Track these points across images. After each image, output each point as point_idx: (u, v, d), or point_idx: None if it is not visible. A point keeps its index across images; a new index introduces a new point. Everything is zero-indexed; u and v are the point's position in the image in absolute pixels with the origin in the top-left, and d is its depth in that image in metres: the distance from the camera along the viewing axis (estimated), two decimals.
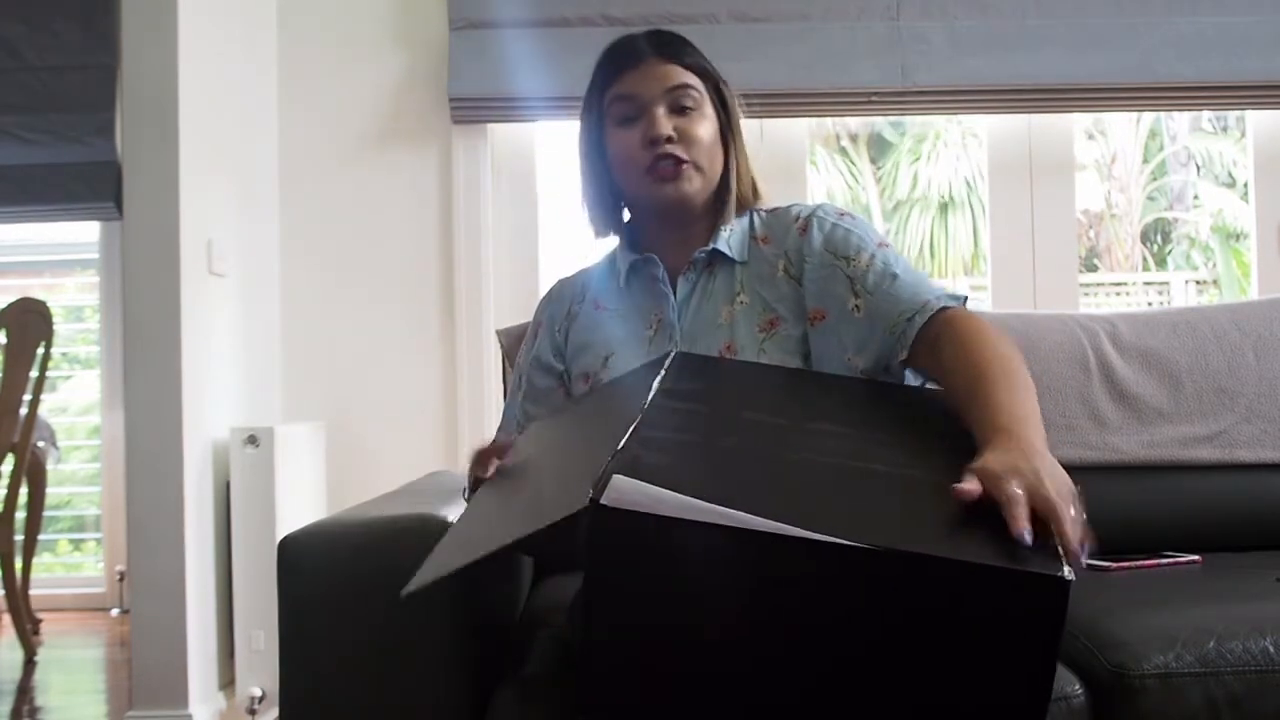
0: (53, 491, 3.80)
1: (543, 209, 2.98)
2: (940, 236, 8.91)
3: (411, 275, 2.90)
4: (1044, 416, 1.78)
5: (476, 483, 1.18)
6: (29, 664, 3.21)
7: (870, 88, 2.84)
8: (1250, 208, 3.09)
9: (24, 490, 3.36)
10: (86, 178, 2.89)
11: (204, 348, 2.43)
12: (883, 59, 2.83)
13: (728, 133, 1.37)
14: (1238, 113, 4.75)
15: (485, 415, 2.82)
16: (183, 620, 2.31)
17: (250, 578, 2.42)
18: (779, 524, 0.79)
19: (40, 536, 3.56)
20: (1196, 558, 1.66)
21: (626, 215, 1.43)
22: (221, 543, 2.47)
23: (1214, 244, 8.65)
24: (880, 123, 8.43)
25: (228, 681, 2.49)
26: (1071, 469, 1.89)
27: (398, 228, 2.90)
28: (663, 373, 1.08)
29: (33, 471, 3.39)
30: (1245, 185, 4.96)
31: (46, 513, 3.61)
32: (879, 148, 9.28)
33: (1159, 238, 9.41)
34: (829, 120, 7.19)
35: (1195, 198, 9.15)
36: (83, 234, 4.24)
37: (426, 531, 1.18)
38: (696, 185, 1.32)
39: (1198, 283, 8.32)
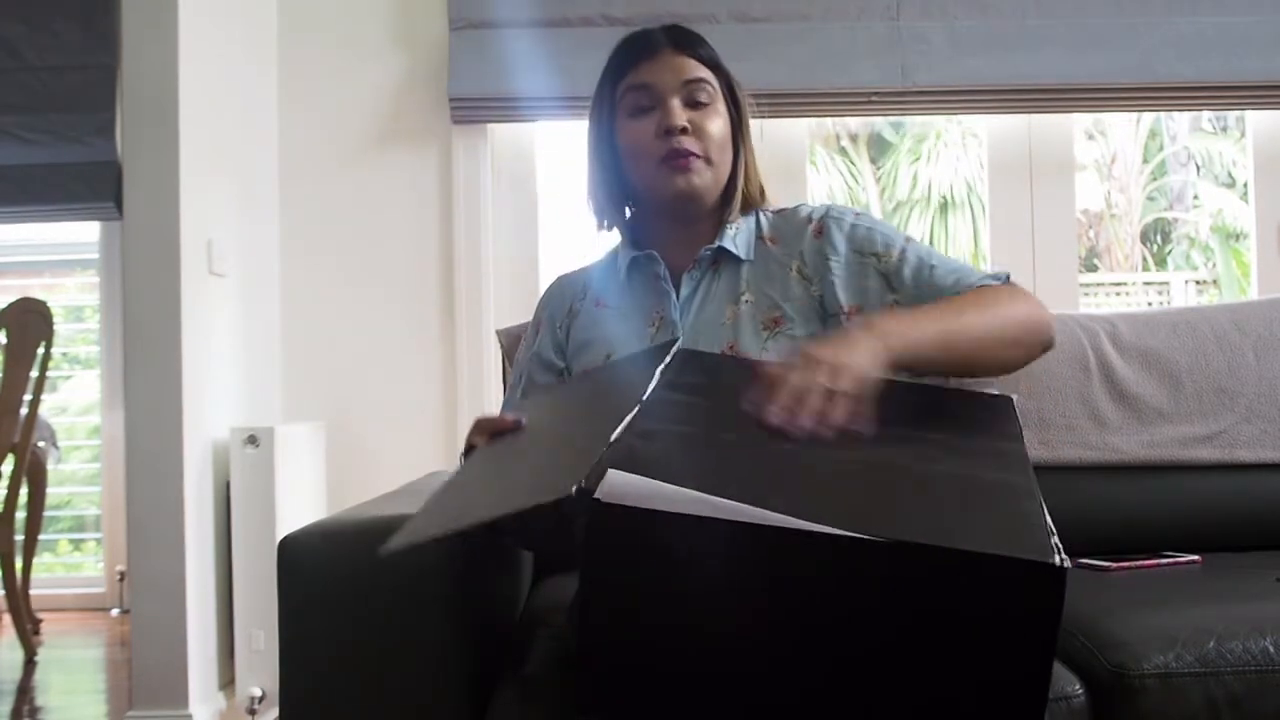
0: (53, 491, 3.80)
1: (543, 209, 2.98)
2: (940, 236, 8.91)
3: (411, 275, 2.90)
4: (1044, 416, 1.82)
5: (471, 449, 1.17)
6: (29, 664, 3.21)
7: (870, 88, 2.84)
8: (1250, 208, 3.09)
9: (24, 490, 3.36)
10: (86, 178, 2.89)
11: (204, 348, 2.43)
12: (883, 59, 2.83)
13: (738, 131, 1.37)
14: (1238, 113, 4.75)
15: None
16: (183, 620, 2.31)
17: (250, 578, 2.42)
18: (772, 515, 0.79)
19: (40, 536, 3.56)
20: (1196, 558, 1.66)
21: (628, 212, 1.43)
22: (221, 543, 2.47)
23: (1214, 244, 8.66)
24: (880, 123, 8.44)
25: (228, 681, 2.49)
26: (1072, 469, 1.90)
27: (398, 228, 2.90)
28: (666, 363, 1.08)
29: (33, 471, 3.39)
30: (1245, 185, 4.96)
31: (46, 513, 3.61)
32: (879, 148, 9.28)
33: (1159, 238, 9.42)
34: (829, 120, 7.19)
35: (1195, 198, 9.15)
36: (83, 234, 4.24)
37: None
38: (706, 179, 1.33)
39: (1198, 283, 8.32)
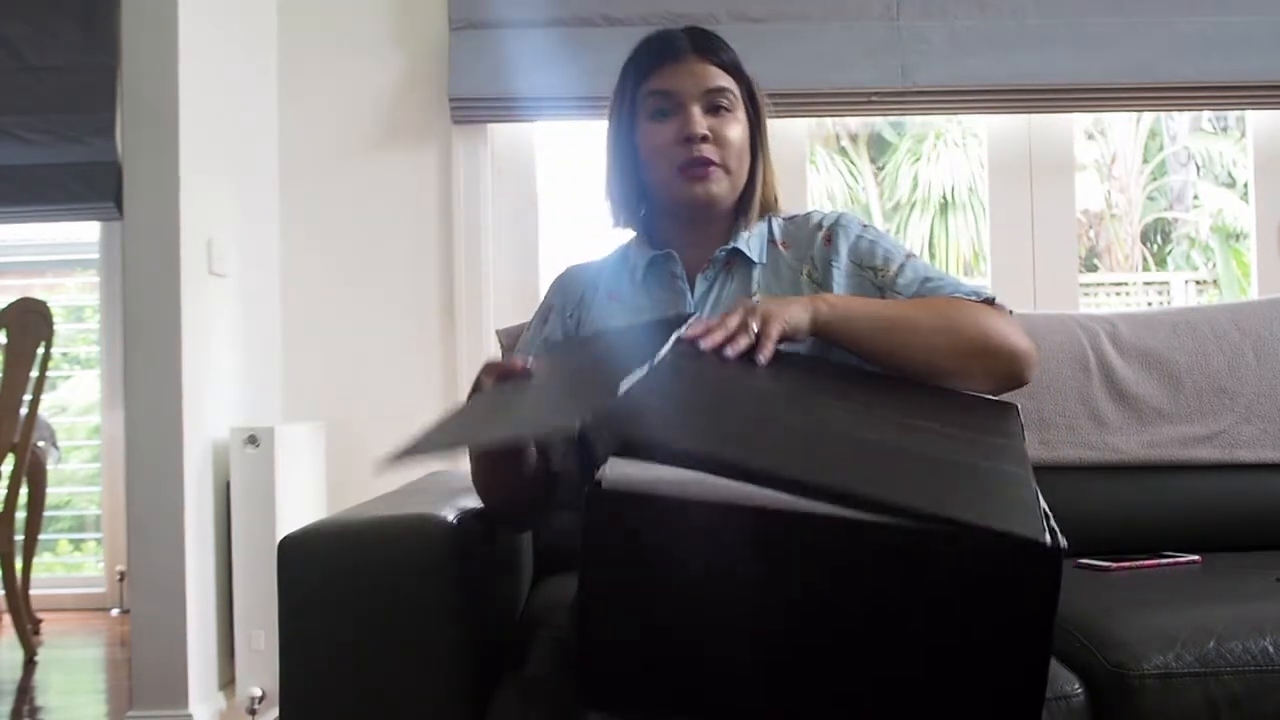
0: (53, 491, 3.80)
1: (543, 209, 2.98)
2: (940, 236, 8.90)
3: (411, 275, 2.90)
4: (1044, 416, 1.82)
5: (477, 388, 1.17)
6: (29, 664, 3.21)
7: (870, 88, 2.84)
8: (1250, 208, 3.09)
9: (24, 490, 3.36)
10: (86, 178, 2.89)
11: (204, 348, 2.43)
12: (883, 59, 2.83)
13: (756, 137, 1.38)
14: (1238, 113, 4.75)
15: None
16: (183, 620, 2.31)
17: (250, 578, 2.42)
18: (771, 497, 0.79)
19: (40, 536, 3.56)
20: (1196, 558, 1.66)
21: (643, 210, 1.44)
22: (221, 543, 2.47)
23: (1214, 244, 8.65)
24: (880, 123, 8.43)
25: (228, 681, 2.49)
26: (1071, 469, 1.90)
27: (398, 228, 2.90)
28: (680, 333, 1.10)
29: (33, 471, 3.39)
30: (1245, 185, 4.96)
31: (46, 513, 3.61)
32: (879, 148, 9.27)
33: (1159, 238, 9.41)
34: (829, 120, 7.18)
35: (1195, 198, 9.14)
36: (83, 234, 4.25)
37: (426, 531, 1.18)
38: (724, 187, 1.34)
39: (1198, 283, 8.31)
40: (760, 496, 0.79)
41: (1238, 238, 8.27)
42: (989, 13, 2.84)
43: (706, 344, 1.10)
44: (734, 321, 1.13)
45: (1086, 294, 6.96)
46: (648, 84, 1.34)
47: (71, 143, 2.88)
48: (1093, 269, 8.68)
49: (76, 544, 4.68)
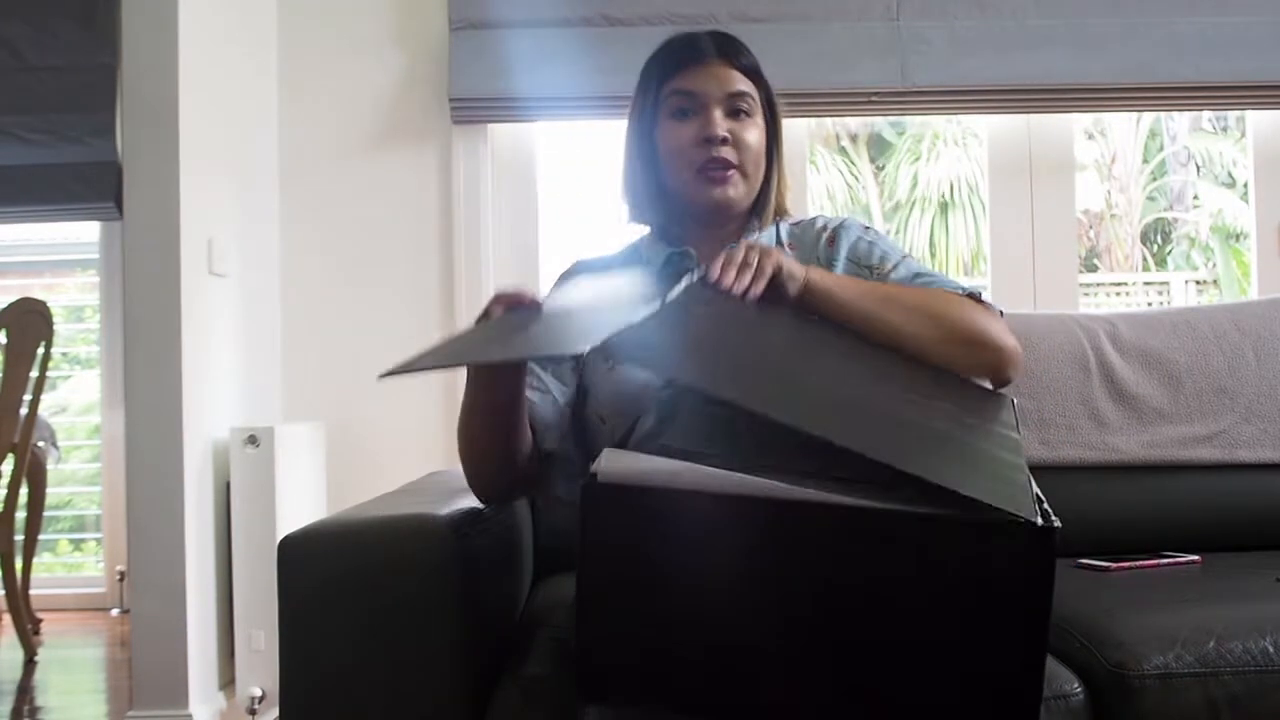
0: (53, 491, 3.80)
1: (543, 209, 2.98)
2: (940, 236, 8.90)
3: (411, 275, 2.90)
4: (1044, 416, 1.82)
5: (486, 316, 1.17)
6: (29, 664, 3.21)
7: (870, 88, 2.84)
8: (1250, 208, 3.09)
9: (24, 490, 3.36)
10: (86, 178, 2.88)
11: (204, 348, 2.43)
12: (883, 59, 2.83)
13: (773, 141, 1.40)
14: (1238, 113, 4.75)
15: None
16: (183, 620, 2.31)
17: (250, 578, 2.42)
18: (769, 486, 0.79)
19: (40, 536, 3.56)
20: (1196, 558, 1.66)
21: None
22: (221, 543, 2.47)
23: (1214, 244, 8.65)
24: (880, 123, 8.43)
25: (228, 681, 2.49)
26: (1072, 469, 1.90)
27: (398, 228, 2.90)
28: (688, 280, 1.12)
29: (33, 471, 3.39)
30: (1245, 185, 4.96)
31: (46, 513, 3.61)
32: (879, 148, 9.27)
33: (1159, 238, 9.41)
34: (829, 120, 7.19)
35: (1195, 198, 9.14)
36: (83, 234, 4.25)
37: (426, 531, 1.18)
38: (740, 191, 1.36)
39: (1198, 283, 8.31)
40: (756, 486, 0.79)
41: (1238, 238, 8.27)
42: (989, 13, 2.84)
43: (719, 279, 1.11)
44: (739, 256, 1.14)
45: (1086, 294, 6.96)
46: (671, 83, 1.36)
47: (71, 143, 2.87)
48: (1093, 269, 8.67)
49: (76, 544, 4.68)
